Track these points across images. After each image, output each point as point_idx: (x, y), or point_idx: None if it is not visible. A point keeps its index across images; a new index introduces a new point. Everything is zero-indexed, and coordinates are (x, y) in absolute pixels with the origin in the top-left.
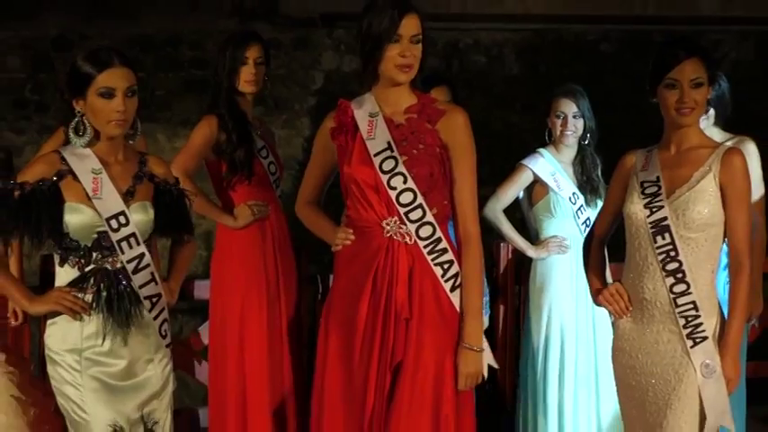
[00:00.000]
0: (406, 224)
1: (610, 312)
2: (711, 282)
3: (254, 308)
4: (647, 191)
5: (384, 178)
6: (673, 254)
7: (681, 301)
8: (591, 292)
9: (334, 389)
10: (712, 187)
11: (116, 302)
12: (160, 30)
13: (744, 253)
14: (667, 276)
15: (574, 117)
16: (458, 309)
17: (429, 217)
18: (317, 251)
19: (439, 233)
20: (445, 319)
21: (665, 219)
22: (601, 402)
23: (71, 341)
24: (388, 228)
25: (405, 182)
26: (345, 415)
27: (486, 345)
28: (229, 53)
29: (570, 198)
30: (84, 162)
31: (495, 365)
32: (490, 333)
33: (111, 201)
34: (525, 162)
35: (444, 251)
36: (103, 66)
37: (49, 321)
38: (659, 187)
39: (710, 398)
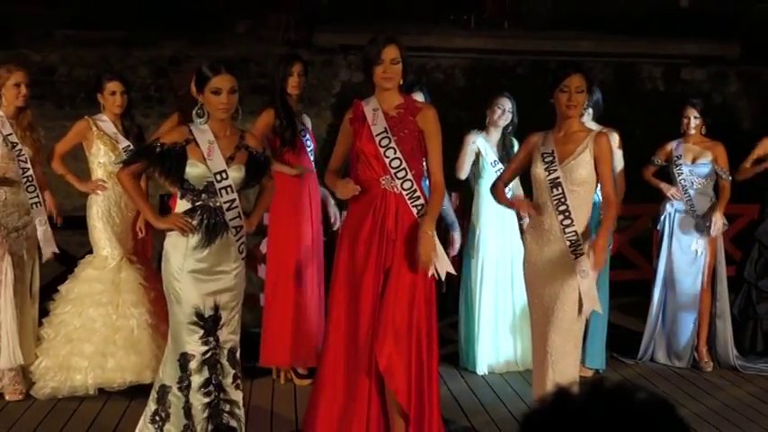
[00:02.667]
0: (395, 180)
1: (518, 215)
2: (587, 218)
3: (303, 233)
4: (546, 159)
5: (381, 150)
6: (563, 200)
7: (567, 230)
8: (504, 203)
9: (342, 285)
10: (588, 157)
11: (212, 227)
12: (238, 53)
13: (610, 195)
14: (559, 215)
15: (507, 111)
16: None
17: (410, 176)
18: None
19: (415, 186)
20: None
21: (558, 177)
22: (516, 303)
23: (180, 248)
24: (383, 182)
25: (395, 153)
26: (348, 303)
27: (444, 255)
28: (282, 68)
29: (492, 164)
30: (203, 134)
31: (453, 272)
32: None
33: (218, 162)
34: (471, 136)
35: (419, 198)
36: (216, 72)
37: (167, 234)
38: (554, 157)
39: (585, 291)
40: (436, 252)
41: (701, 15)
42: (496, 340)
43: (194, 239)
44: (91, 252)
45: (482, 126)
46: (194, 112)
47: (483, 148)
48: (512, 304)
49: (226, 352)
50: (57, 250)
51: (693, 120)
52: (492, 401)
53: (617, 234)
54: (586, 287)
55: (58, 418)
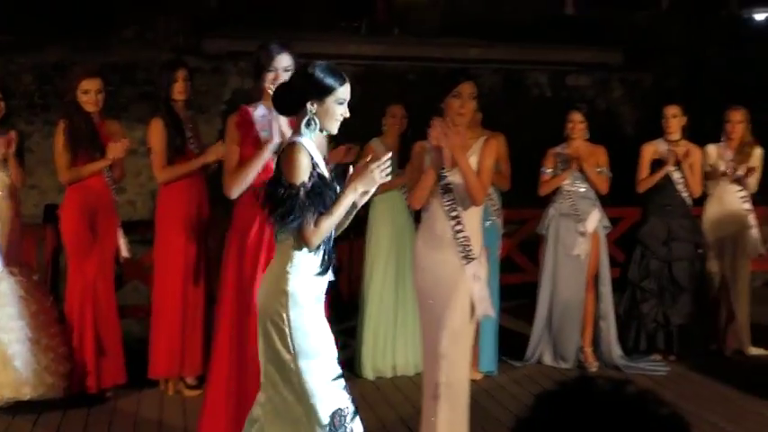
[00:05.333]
0: None
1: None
2: (478, 224)
3: (190, 241)
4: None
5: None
6: (454, 205)
7: (459, 236)
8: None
9: (231, 292)
10: (476, 162)
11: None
12: (124, 59)
13: (486, 182)
14: (450, 220)
15: (401, 117)
16: None
17: None
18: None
19: None
20: None
21: (449, 183)
22: (406, 308)
23: (311, 288)
24: None
25: None
26: (237, 309)
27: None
28: (166, 74)
29: None
30: (315, 150)
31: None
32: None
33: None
34: (371, 144)
35: None
36: (344, 81)
37: (287, 274)
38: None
39: (478, 295)
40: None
41: (586, 23)
42: (385, 345)
43: (317, 265)
44: None
45: (378, 132)
46: (303, 122)
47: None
48: (402, 309)
49: None
50: None
51: (578, 125)
52: (382, 407)
53: (505, 238)
54: (479, 291)
55: None
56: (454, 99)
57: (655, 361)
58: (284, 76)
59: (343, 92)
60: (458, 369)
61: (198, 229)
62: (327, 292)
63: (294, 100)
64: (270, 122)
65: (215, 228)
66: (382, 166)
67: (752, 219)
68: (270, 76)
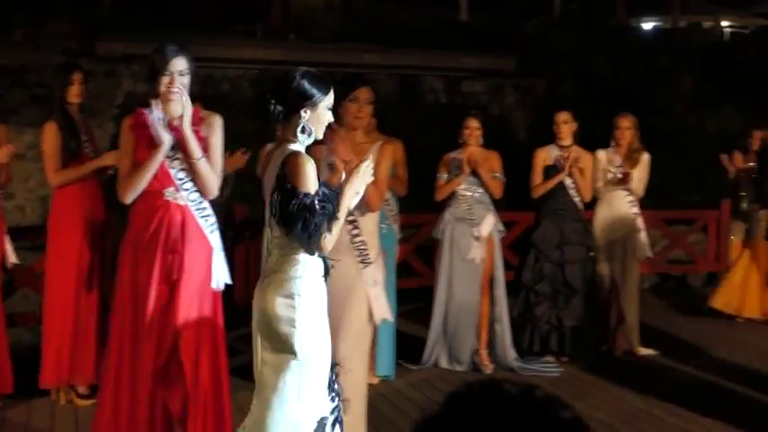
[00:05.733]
0: (180, 192)
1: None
2: (375, 229)
3: (83, 248)
4: (332, 170)
5: (167, 162)
6: (351, 210)
7: (355, 240)
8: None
9: (125, 299)
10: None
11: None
12: (14, 61)
13: (382, 188)
14: (347, 225)
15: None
16: (213, 244)
17: (196, 187)
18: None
19: (202, 198)
20: (207, 251)
21: None
22: None
23: (318, 286)
24: (167, 194)
25: (180, 164)
26: (132, 317)
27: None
28: (61, 77)
29: None
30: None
31: (230, 282)
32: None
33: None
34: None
35: (206, 209)
36: (331, 86)
37: (293, 277)
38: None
39: (375, 300)
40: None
41: (480, 30)
42: None
43: (321, 267)
44: None
45: (272, 138)
46: (297, 130)
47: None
48: None
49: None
50: None
51: (475, 131)
52: None
53: (402, 243)
54: (376, 296)
55: None
56: (351, 104)
57: (548, 362)
58: (180, 80)
59: (332, 97)
60: (356, 373)
61: (92, 234)
62: (222, 297)
63: (288, 108)
64: (164, 126)
65: (110, 233)
66: (370, 167)
67: (640, 222)
68: (165, 79)
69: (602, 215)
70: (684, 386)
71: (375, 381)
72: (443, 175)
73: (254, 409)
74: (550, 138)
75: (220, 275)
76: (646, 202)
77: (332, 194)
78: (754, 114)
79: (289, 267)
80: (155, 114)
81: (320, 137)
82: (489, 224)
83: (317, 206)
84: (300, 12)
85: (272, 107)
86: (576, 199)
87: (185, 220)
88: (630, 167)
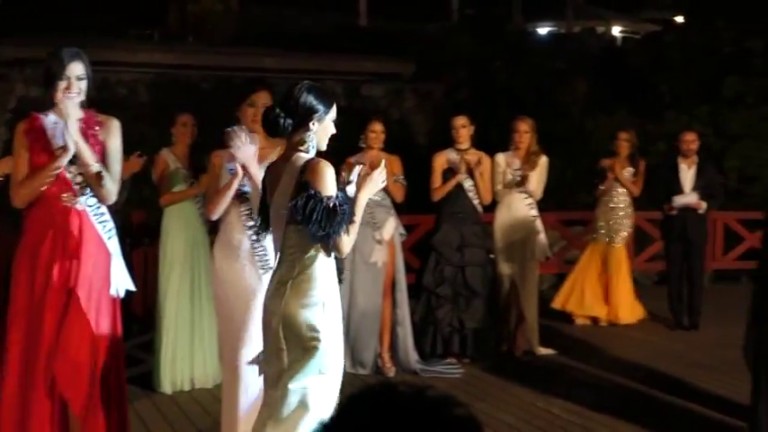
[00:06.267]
0: (78, 197)
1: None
2: (278, 231)
3: None
4: (232, 174)
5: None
6: (251, 215)
7: (256, 245)
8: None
9: (21, 307)
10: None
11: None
12: None
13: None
14: (248, 230)
15: (191, 126)
16: (111, 250)
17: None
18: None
19: (100, 203)
20: (105, 257)
21: (246, 193)
22: (203, 319)
23: (334, 284)
24: (65, 199)
25: (77, 169)
26: (28, 325)
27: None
28: None
29: (183, 178)
30: None
31: (133, 288)
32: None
33: None
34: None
35: (104, 214)
36: (333, 101)
37: (312, 279)
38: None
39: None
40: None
41: (379, 34)
42: (183, 358)
43: (334, 268)
44: None
45: (168, 143)
46: (308, 140)
47: (173, 164)
48: (199, 321)
49: None
50: None
51: (380, 134)
52: (180, 420)
53: None
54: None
55: None
56: (249, 108)
57: (450, 364)
58: (78, 85)
59: (335, 109)
60: (257, 379)
61: None
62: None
63: (296, 121)
64: (62, 131)
65: (2, 243)
66: (383, 173)
67: (539, 224)
68: (62, 84)
69: (501, 218)
70: (582, 384)
71: None
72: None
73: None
74: (449, 141)
75: (120, 282)
76: (544, 204)
77: (347, 198)
78: (646, 117)
79: (306, 271)
80: (50, 119)
81: (324, 148)
82: (391, 227)
83: (339, 209)
84: (198, 15)
85: (282, 121)
86: (476, 202)
87: (83, 226)
88: (529, 170)
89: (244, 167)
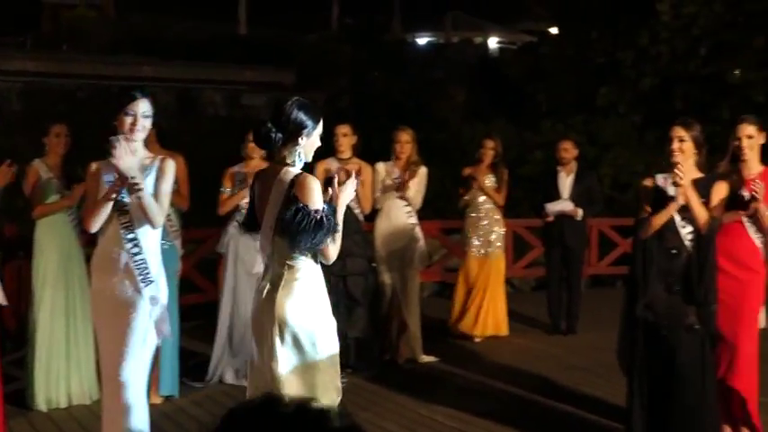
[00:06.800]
0: None
1: None
2: (156, 246)
3: None
4: (111, 184)
5: None
6: (131, 228)
7: (136, 258)
8: None
9: None
10: (151, 182)
11: None
12: None
13: (164, 203)
14: (127, 243)
15: (66, 136)
16: None
17: None
18: None
19: None
20: None
21: (126, 205)
22: (79, 334)
23: (318, 271)
24: None
25: None
26: None
27: None
28: None
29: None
30: None
31: (5, 302)
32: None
33: None
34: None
35: None
36: (321, 116)
37: (296, 268)
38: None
39: (156, 318)
40: None
41: (259, 43)
42: (58, 374)
43: (320, 272)
44: None
45: (41, 153)
46: (296, 155)
47: (45, 175)
48: (73, 335)
49: None
50: None
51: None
52: None
53: (184, 259)
54: (157, 314)
55: None
56: (126, 117)
57: None
58: None
59: (321, 124)
60: (137, 393)
61: None
62: None
63: (285, 136)
64: None
65: None
66: (354, 183)
67: (418, 232)
68: None
69: (381, 226)
70: (464, 390)
71: (158, 400)
72: (227, 189)
73: None
74: (330, 151)
75: None
76: (423, 213)
77: (333, 210)
78: (524, 126)
79: (302, 277)
80: None
81: (310, 159)
82: None
83: (325, 220)
84: (72, 22)
85: (274, 135)
86: (357, 211)
87: None
88: (409, 178)
89: (123, 178)
